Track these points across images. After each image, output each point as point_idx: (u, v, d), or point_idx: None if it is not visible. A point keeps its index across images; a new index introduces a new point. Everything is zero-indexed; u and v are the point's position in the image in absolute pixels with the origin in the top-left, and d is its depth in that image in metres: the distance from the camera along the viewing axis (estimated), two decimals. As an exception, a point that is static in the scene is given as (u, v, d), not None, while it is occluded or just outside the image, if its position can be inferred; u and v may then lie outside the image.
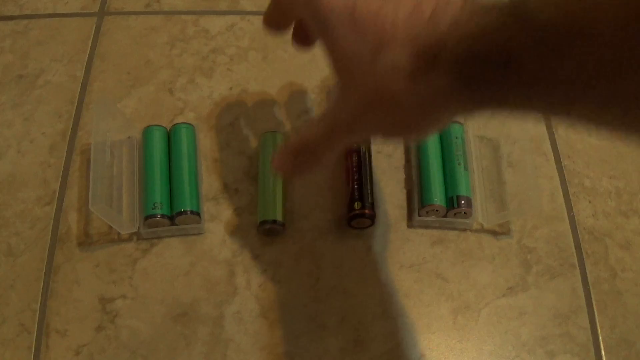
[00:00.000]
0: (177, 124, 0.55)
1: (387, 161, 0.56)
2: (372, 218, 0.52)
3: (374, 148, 0.56)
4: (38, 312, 0.49)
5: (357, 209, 0.52)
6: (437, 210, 0.53)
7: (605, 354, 0.49)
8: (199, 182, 0.54)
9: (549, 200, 0.56)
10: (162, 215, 0.50)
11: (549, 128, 0.60)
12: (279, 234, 0.53)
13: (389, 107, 0.33)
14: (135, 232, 0.52)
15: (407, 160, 0.57)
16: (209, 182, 0.55)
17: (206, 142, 0.57)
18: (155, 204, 0.50)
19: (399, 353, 0.49)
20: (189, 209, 0.51)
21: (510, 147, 0.58)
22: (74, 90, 0.60)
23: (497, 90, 0.29)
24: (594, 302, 0.52)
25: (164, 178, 0.52)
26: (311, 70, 0.62)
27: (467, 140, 0.57)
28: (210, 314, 0.49)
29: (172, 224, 0.52)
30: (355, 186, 0.53)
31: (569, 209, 0.56)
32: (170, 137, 0.55)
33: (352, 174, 0.53)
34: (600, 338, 0.50)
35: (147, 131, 0.55)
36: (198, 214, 0.51)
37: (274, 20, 0.42)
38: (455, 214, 0.53)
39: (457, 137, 0.55)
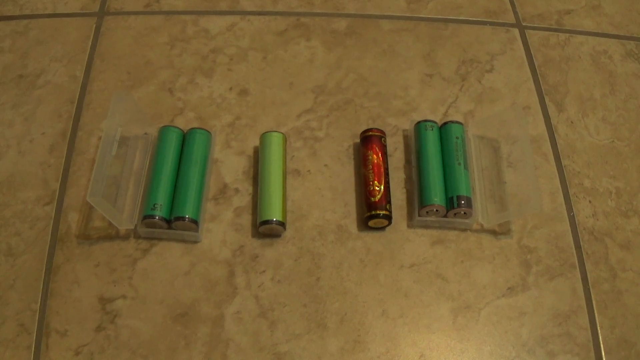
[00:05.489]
0: (194, 128, 0.55)
1: (387, 161, 0.56)
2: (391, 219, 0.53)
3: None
4: (38, 312, 0.49)
5: (389, 210, 0.52)
6: (437, 210, 0.53)
7: (605, 354, 0.49)
8: (205, 190, 0.54)
9: (549, 200, 0.56)
10: (161, 218, 0.50)
11: (549, 128, 0.60)
12: (279, 234, 0.53)
13: None
14: (133, 230, 0.52)
15: (407, 161, 0.57)
16: (209, 182, 0.55)
17: (206, 142, 0.57)
18: (156, 205, 0.50)
19: (399, 353, 0.49)
20: (187, 216, 0.51)
21: (510, 147, 0.58)
22: (74, 90, 0.60)
23: None
24: (594, 302, 0.52)
25: (169, 180, 0.52)
26: (311, 70, 0.62)
27: (467, 140, 0.57)
28: (210, 314, 0.49)
29: (170, 227, 0.52)
30: (388, 187, 0.53)
31: (569, 209, 0.56)
32: (185, 140, 0.55)
33: (384, 174, 0.54)
34: (600, 338, 0.50)
35: (163, 131, 0.55)
36: (196, 222, 0.51)
37: None
38: (455, 214, 0.53)
39: (457, 137, 0.55)
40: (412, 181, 0.56)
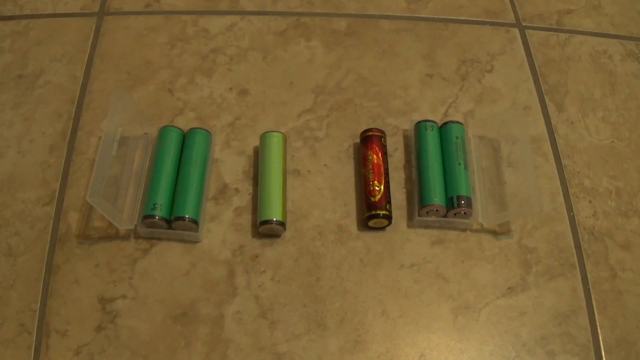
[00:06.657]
0: (194, 128, 0.55)
1: (387, 161, 0.56)
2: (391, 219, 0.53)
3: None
4: (38, 312, 0.49)
5: (389, 210, 0.52)
6: (437, 211, 0.53)
7: (605, 354, 0.49)
8: (205, 190, 0.53)
9: (549, 200, 0.56)
10: (161, 218, 0.50)
11: (549, 128, 0.60)
12: (279, 234, 0.53)
13: None
14: (133, 230, 0.52)
15: (407, 161, 0.57)
16: (209, 182, 0.55)
17: (206, 142, 0.57)
18: (156, 205, 0.50)
19: (399, 353, 0.49)
20: (187, 216, 0.50)
21: (510, 147, 0.58)
22: (74, 90, 0.60)
23: None
24: (594, 302, 0.52)
25: (169, 180, 0.52)
26: (311, 70, 0.62)
27: (467, 140, 0.57)
28: (210, 314, 0.49)
29: (170, 227, 0.51)
30: (388, 187, 0.53)
31: (569, 209, 0.56)
32: (185, 140, 0.55)
33: (384, 174, 0.54)
34: (600, 338, 0.50)
35: (163, 131, 0.55)
36: (196, 222, 0.51)
37: None
38: (455, 214, 0.53)
39: (457, 137, 0.55)
40: (412, 181, 0.56)
